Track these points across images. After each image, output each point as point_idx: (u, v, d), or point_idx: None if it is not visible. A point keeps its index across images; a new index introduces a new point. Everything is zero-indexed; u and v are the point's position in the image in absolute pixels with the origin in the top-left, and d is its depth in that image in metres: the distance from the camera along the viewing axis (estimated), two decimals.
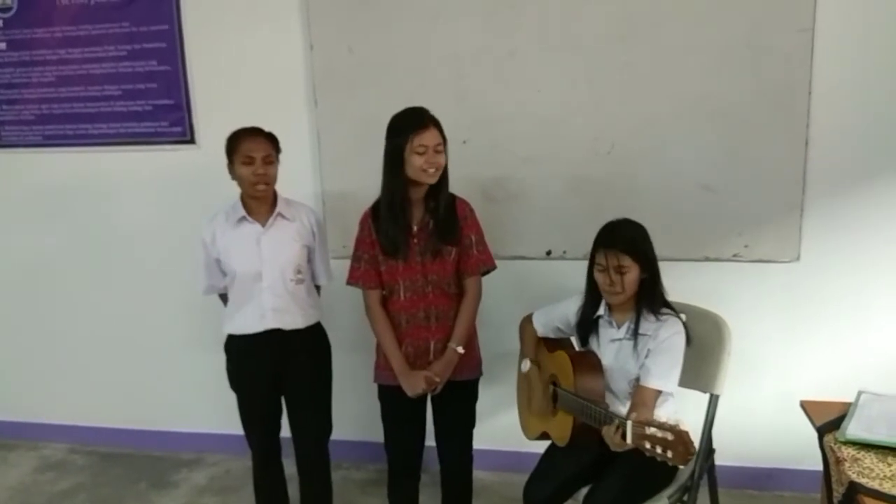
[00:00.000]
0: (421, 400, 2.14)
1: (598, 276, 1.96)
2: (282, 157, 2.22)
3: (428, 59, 2.64)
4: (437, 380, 2.08)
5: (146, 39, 2.88)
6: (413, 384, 2.08)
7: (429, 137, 1.98)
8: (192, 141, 2.94)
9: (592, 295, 2.04)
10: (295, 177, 2.54)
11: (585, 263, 2.04)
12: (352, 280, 2.15)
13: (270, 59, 2.79)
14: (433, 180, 2.03)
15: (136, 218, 3.08)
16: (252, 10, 2.78)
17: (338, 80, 2.73)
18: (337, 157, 2.79)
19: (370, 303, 2.14)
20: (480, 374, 2.23)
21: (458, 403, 2.19)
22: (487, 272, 2.18)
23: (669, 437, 1.53)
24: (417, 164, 1.98)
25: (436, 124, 2.02)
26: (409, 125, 1.99)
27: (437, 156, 2.00)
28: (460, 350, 2.11)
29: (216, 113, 2.84)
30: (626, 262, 1.90)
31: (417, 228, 2.08)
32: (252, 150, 2.13)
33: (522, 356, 2.24)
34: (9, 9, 2.99)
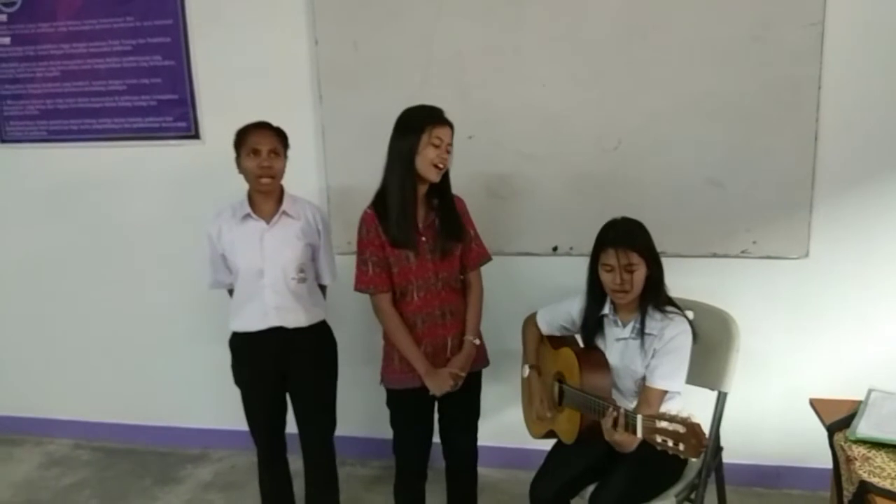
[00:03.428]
0: (429, 398, 2.13)
1: (606, 277, 1.93)
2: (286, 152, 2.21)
3: (433, 55, 2.62)
4: (462, 374, 2.09)
5: (150, 34, 2.87)
6: (440, 383, 2.07)
7: (445, 133, 1.99)
8: (196, 136, 2.93)
9: (595, 295, 2.02)
10: (299, 172, 2.52)
11: None
12: (360, 286, 2.08)
13: (275, 54, 2.78)
14: (437, 178, 2.01)
15: (140, 213, 3.07)
16: (257, 4, 2.76)
17: (342, 76, 2.72)
18: (341, 153, 2.78)
19: (384, 306, 2.08)
20: (488, 363, 2.25)
21: (466, 394, 2.19)
22: (484, 264, 2.21)
23: (681, 429, 1.52)
24: (430, 157, 1.97)
25: (450, 125, 2.02)
26: (428, 118, 1.99)
27: (448, 154, 2.01)
28: (477, 341, 2.14)
29: (221, 108, 2.84)
30: (635, 260, 1.88)
31: (423, 227, 2.07)
32: (258, 142, 2.12)
33: (524, 361, 2.23)
34: (13, 3, 2.98)
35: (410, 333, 2.08)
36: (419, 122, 1.98)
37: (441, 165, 1.99)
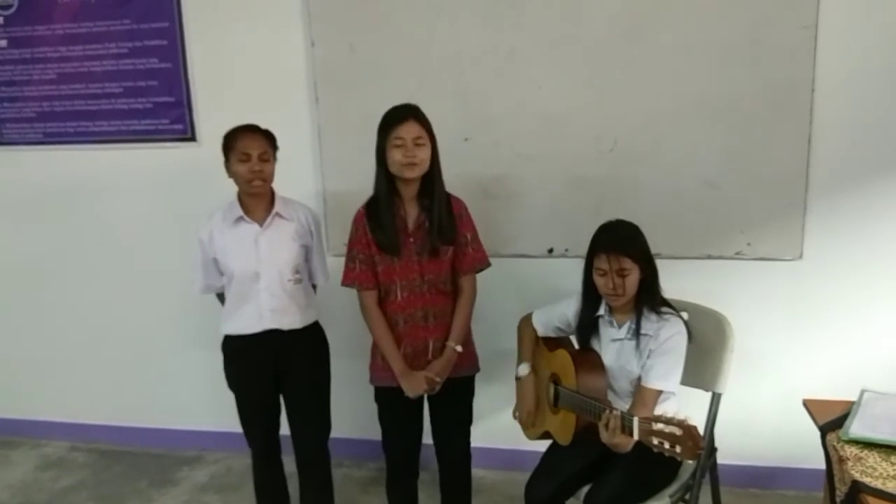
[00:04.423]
0: (418, 399, 2.13)
1: (599, 281, 1.94)
2: (282, 155, 2.22)
3: (429, 56, 2.63)
4: (438, 380, 2.07)
5: (147, 37, 2.88)
6: (414, 385, 2.07)
7: (405, 130, 1.97)
8: (192, 138, 2.94)
9: (590, 297, 2.03)
10: (296, 175, 2.53)
11: None
12: (347, 281, 2.12)
13: (271, 56, 2.79)
14: (412, 174, 2.00)
15: (137, 215, 3.07)
16: (253, 7, 2.77)
17: (339, 78, 2.73)
18: (338, 156, 2.78)
19: (368, 304, 2.11)
20: (478, 369, 2.24)
21: (456, 400, 2.19)
22: (481, 269, 2.18)
23: (678, 432, 1.52)
24: (396, 159, 1.97)
25: (417, 118, 2.00)
26: (390, 120, 2.00)
27: (417, 149, 1.98)
28: (459, 349, 2.11)
29: (217, 110, 2.83)
30: (627, 265, 1.89)
31: (413, 227, 2.06)
32: (248, 147, 2.11)
33: (520, 360, 2.21)
34: (9, 6, 2.98)
35: (391, 332, 2.09)
36: (384, 125, 2.01)
37: (409, 163, 1.97)
